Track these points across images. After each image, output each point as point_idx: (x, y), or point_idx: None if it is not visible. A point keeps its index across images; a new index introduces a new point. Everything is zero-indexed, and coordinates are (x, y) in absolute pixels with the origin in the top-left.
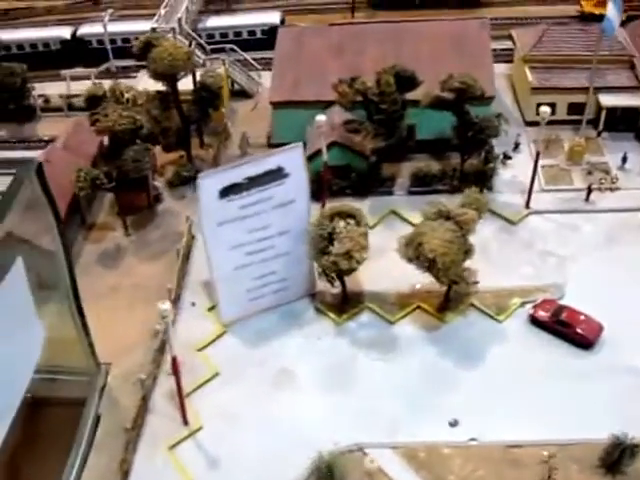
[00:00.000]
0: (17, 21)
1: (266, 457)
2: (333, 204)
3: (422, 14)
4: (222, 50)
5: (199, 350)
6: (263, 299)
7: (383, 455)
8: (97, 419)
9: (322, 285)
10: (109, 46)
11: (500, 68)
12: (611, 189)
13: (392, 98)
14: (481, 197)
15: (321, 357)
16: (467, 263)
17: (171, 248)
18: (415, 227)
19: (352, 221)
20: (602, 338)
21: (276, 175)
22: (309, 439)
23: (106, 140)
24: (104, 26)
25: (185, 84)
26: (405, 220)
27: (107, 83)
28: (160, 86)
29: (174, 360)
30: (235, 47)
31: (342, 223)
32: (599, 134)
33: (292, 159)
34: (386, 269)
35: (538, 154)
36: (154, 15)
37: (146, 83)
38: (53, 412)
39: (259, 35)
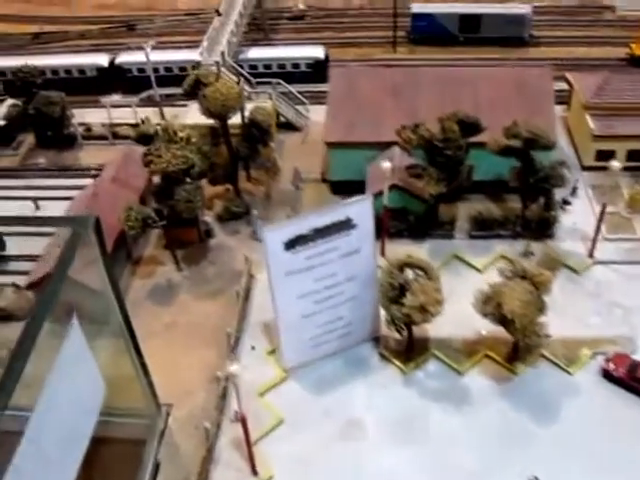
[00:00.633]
0: (49, 45)
1: None
2: (396, 249)
3: (464, 51)
4: (267, 82)
5: (261, 395)
6: (327, 344)
7: None
8: (157, 466)
9: (385, 328)
10: (152, 75)
11: None
12: None
13: (457, 144)
14: (556, 256)
15: (389, 407)
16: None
17: (227, 286)
18: (492, 286)
19: (421, 272)
20: None
21: (344, 226)
22: None
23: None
24: (147, 55)
25: (233, 117)
26: (469, 265)
27: (149, 111)
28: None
29: (243, 420)
30: (281, 81)
31: (411, 273)
32: None
33: (361, 211)
34: (451, 314)
35: (604, 206)
36: (191, 41)
37: (194, 116)
38: (112, 453)
39: (303, 68)
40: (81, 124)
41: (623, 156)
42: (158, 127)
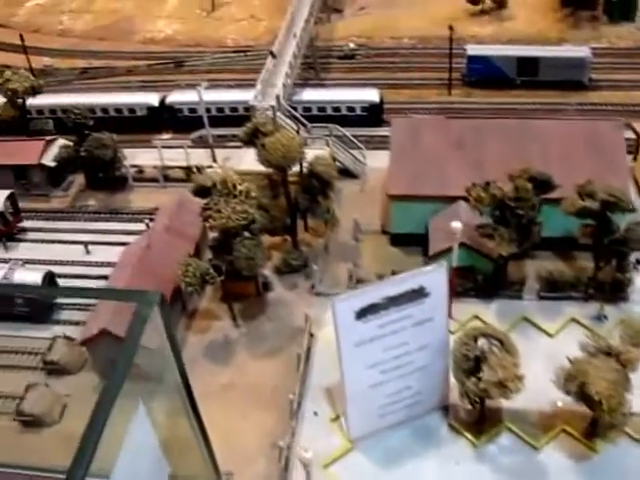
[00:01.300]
0: (97, 81)
1: None
2: (462, 309)
3: (521, 95)
4: (323, 126)
5: (325, 467)
6: (394, 414)
7: None
8: None
9: (454, 396)
10: (205, 116)
11: None
12: None
13: (530, 204)
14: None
15: None
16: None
17: (285, 344)
18: (574, 362)
19: (496, 342)
20: None
21: (417, 295)
22: None
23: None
24: (200, 97)
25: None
26: (540, 329)
27: (201, 153)
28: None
29: None
30: (337, 126)
31: (486, 343)
32: None
33: (435, 279)
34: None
35: None
36: (241, 79)
37: (248, 162)
38: None
39: (358, 112)
40: (133, 166)
41: None
42: (215, 177)
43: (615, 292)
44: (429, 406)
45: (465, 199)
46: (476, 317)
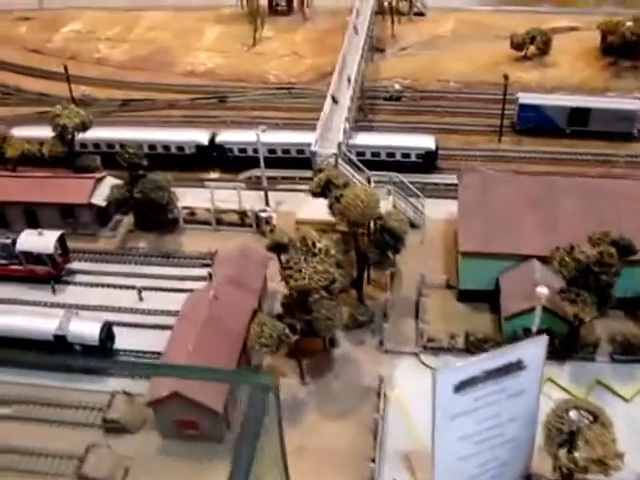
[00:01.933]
0: (137, 114)
1: None
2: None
3: (571, 145)
4: (381, 173)
5: None
6: None
7: None
8: None
9: (536, 465)
10: (262, 158)
11: None
12: None
13: (614, 270)
14: None
15: None
16: None
17: (355, 404)
18: None
19: (588, 415)
20: None
21: (514, 367)
22: None
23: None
24: (258, 140)
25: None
26: (615, 393)
27: (252, 195)
28: (324, 215)
29: None
30: (398, 174)
31: (577, 415)
32: None
33: (534, 352)
34: None
35: None
36: (285, 117)
37: (308, 210)
38: None
39: (413, 158)
40: (184, 207)
41: None
42: (289, 233)
43: None
44: (513, 476)
45: (538, 257)
46: (550, 380)
